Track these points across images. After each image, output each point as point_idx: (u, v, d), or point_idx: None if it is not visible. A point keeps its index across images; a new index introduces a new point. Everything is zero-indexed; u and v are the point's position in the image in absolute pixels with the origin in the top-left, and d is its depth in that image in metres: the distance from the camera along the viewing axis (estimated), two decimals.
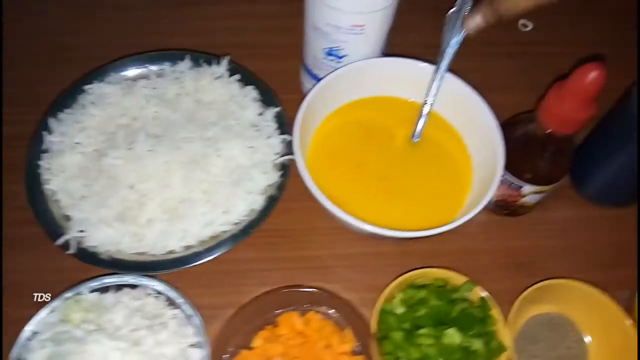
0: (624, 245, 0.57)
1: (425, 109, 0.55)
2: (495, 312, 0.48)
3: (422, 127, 0.55)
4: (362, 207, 0.52)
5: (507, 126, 0.52)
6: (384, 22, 0.53)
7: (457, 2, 0.52)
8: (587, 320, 0.51)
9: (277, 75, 0.63)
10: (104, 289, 0.47)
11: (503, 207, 0.56)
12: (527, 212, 0.57)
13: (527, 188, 0.51)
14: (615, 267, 0.55)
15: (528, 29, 0.73)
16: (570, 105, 0.44)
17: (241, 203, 0.48)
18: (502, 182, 0.52)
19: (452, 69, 0.56)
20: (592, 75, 0.41)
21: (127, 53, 0.59)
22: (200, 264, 0.47)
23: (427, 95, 0.55)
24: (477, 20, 0.49)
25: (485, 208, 0.57)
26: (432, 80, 0.54)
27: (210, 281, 0.52)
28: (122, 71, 0.56)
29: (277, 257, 0.54)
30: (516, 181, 0.51)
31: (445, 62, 0.53)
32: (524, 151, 0.50)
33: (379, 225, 0.48)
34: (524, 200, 0.53)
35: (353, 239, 0.55)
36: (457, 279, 0.49)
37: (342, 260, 0.55)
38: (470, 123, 0.55)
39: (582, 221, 0.58)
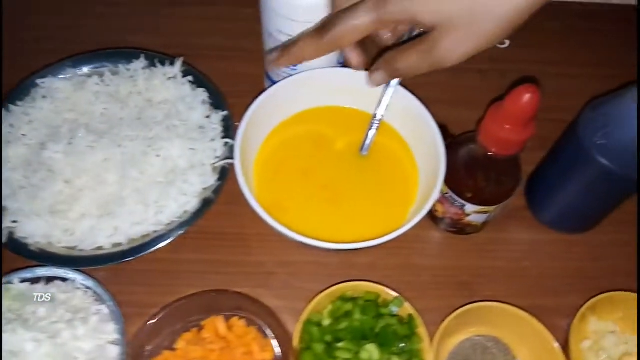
0: (572, 272, 0.55)
1: (375, 124, 0.54)
2: (422, 330, 0.47)
3: (371, 141, 0.55)
4: (304, 216, 0.52)
5: (454, 144, 0.51)
6: None
7: None
8: (521, 345, 0.50)
9: (245, 79, 0.64)
10: (35, 280, 0.48)
11: (451, 225, 0.55)
12: (476, 231, 0.56)
13: (470, 207, 0.50)
14: (559, 295, 0.54)
15: (505, 45, 0.72)
16: (508, 127, 0.43)
17: (173, 204, 0.48)
18: (447, 199, 0.52)
19: (419, 82, 0.56)
20: (526, 97, 0.41)
21: (100, 48, 0.60)
22: (126, 261, 0.48)
23: (377, 108, 0.54)
24: (378, 75, 0.46)
25: (439, 226, 0.56)
26: (383, 95, 0.54)
27: (147, 280, 0.52)
28: (78, 67, 0.57)
29: (217, 260, 0.54)
30: (458, 200, 0.50)
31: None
32: (466, 170, 0.49)
33: (321, 235, 0.48)
34: (469, 219, 0.53)
35: (295, 247, 0.54)
36: (388, 294, 0.49)
37: (283, 268, 0.55)
38: (419, 137, 0.55)
39: (534, 245, 0.57)
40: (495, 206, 0.50)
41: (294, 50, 0.45)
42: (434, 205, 0.54)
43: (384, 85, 0.53)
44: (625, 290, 0.50)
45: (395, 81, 0.52)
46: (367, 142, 0.55)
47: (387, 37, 0.42)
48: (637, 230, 0.56)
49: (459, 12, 0.37)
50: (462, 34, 0.38)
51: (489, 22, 0.37)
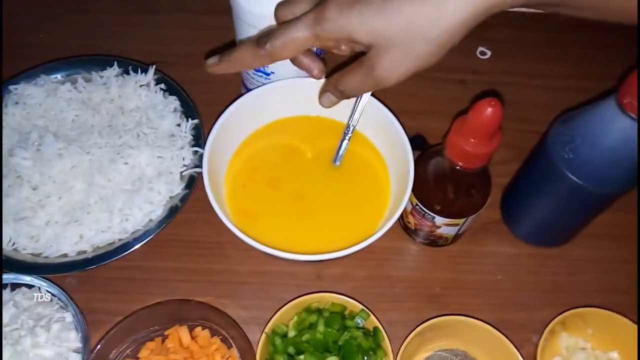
0: (546, 286, 0.55)
1: (347, 135, 0.54)
2: (386, 344, 0.46)
3: (343, 152, 0.54)
4: (275, 226, 0.52)
5: (424, 157, 0.51)
6: None
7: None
8: (489, 359, 0.49)
9: (219, 87, 0.64)
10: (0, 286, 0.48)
11: (424, 237, 0.55)
12: (448, 243, 0.55)
13: (439, 219, 0.50)
14: (532, 309, 0.53)
15: (486, 56, 0.71)
16: (472, 141, 0.43)
17: (138, 212, 0.48)
18: (417, 212, 0.51)
19: (397, 91, 0.55)
20: (488, 111, 0.40)
21: (73, 55, 0.60)
22: (91, 269, 0.48)
23: (349, 119, 0.54)
24: (326, 96, 0.46)
25: (413, 238, 0.56)
26: (355, 105, 0.53)
27: (114, 287, 0.52)
28: (52, 73, 0.57)
29: (188, 268, 0.54)
30: (428, 212, 0.50)
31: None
32: (435, 183, 0.49)
33: (291, 245, 0.48)
34: (440, 231, 0.52)
35: (265, 256, 0.54)
36: (354, 306, 0.48)
37: (253, 277, 0.54)
38: (390, 148, 0.54)
39: (508, 258, 0.56)
40: (465, 219, 0.50)
41: (233, 57, 0.45)
42: (407, 217, 0.54)
43: (355, 97, 0.53)
44: (598, 307, 0.49)
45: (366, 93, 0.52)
46: (340, 152, 0.54)
47: (342, 49, 0.42)
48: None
49: (394, 33, 0.37)
50: (398, 54, 0.38)
51: (424, 44, 0.37)
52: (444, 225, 0.51)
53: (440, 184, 0.49)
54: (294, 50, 0.42)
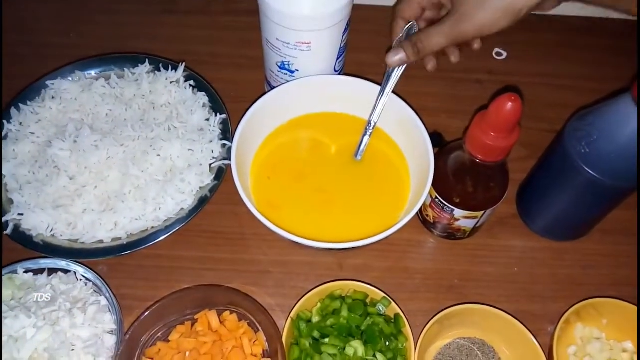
0: (561, 279, 0.56)
1: (369, 130, 0.56)
2: (407, 330, 0.48)
3: (365, 147, 0.56)
4: (298, 217, 0.54)
5: (444, 151, 0.52)
6: (331, 40, 0.54)
7: (404, 30, 0.54)
8: (505, 347, 0.51)
9: (245, 85, 0.66)
10: (39, 270, 0.50)
11: (442, 230, 0.57)
12: (467, 236, 0.57)
13: (458, 212, 0.52)
14: (547, 301, 0.55)
15: (502, 57, 0.73)
16: (492, 135, 0.44)
17: (171, 201, 0.50)
18: (436, 205, 0.53)
19: (416, 90, 0.57)
20: (508, 105, 0.42)
21: (103, 53, 0.63)
22: (125, 255, 0.50)
23: (371, 115, 0.56)
24: (399, 55, 0.51)
25: (432, 231, 0.58)
26: (376, 102, 0.55)
27: (145, 274, 0.54)
28: (86, 70, 0.59)
29: (214, 257, 0.56)
30: (447, 205, 0.52)
31: (389, 85, 0.54)
32: (455, 176, 0.51)
33: (314, 236, 0.50)
34: (458, 224, 0.54)
35: (289, 246, 0.56)
36: (376, 294, 0.50)
37: (278, 267, 0.56)
38: (410, 143, 0.56)
39: (524, 252, 0.58)
40: (483, 211, 0.52)
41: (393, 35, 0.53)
42: (427, 211, 0.56)
43: (379, 93, 0.55)
44: (611, 298, 0.51)
45: (389, 89, 0.54)
46: (362, 147, 0.56)
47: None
48: (638, 238, 0.57)
49: None
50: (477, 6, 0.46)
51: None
52: (462, 218, 0.53)
53: (460, 178, 0.51)
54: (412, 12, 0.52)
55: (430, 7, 0.53)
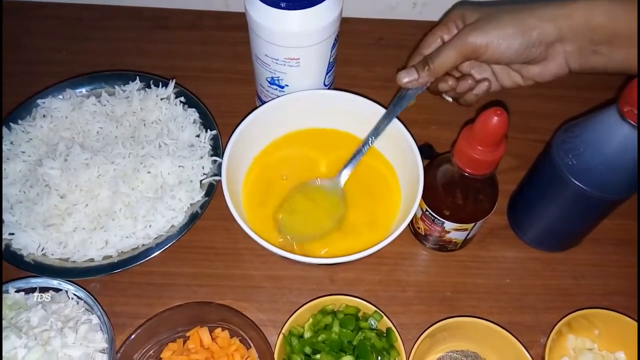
0: (552, 290, 0.56)
1: (359, 155, 0.55)
2: (399, 344, 0.48)
3: (350, 172, 0.56)
4: (290, 232, 0.54)
5: (433, 165, 0.53)
6: (320, 56, 0.55)
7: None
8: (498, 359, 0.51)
9: (236, 100, 0.67)
10: (30, 290, 0.50)
11: (434, 242, 0.57)
12: (457, 248, 0.57)
13: (448, 225, 0.52)
14: (539, 312, 0.55)
15: None
16: (480, 149, 0.45)
17: (161, 219, 0.51)
18: (427, 217, 0.53)
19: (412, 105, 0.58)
20: (494, 120, 0.42)
21: (94, 71, 0.64)
22: (116, 273, 0.50)
23: (368, 137, 0.55)
24: (411, 75, 0.51)
25: (424, 244, 0.58)
26: (379, 125, 0.55)
27: (137, 292, 0.54)
28: (77, 88, 0.60)
29: (206, 273, 0.56)
30: (437, 217, 0.52)
31: (396, 111, 0.54)
32: (444, 189, 0.51)
33: (306, 251, 0.50)
34: (449, 236, 0.54)
35: (283, 261, 0.57)
36: (367, 308, 0.50)
37: (269, 282, 0.56)
38: (400, 157, 0.56)
39: (516, 262, 0.58)
40: (473, 223, 0.52)
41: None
42: (418, 223, 0.56)
43: (382, 116, 0.55)
44: (603, 309, 0.51)
45: (394, 113, 0.54)
46: (347, 170, 0.56)
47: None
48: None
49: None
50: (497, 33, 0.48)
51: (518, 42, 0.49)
52: (453, 230, 0.53)
53: (449, 190, 0.51)
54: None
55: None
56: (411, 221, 0.56)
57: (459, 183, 0.50)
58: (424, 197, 0.51)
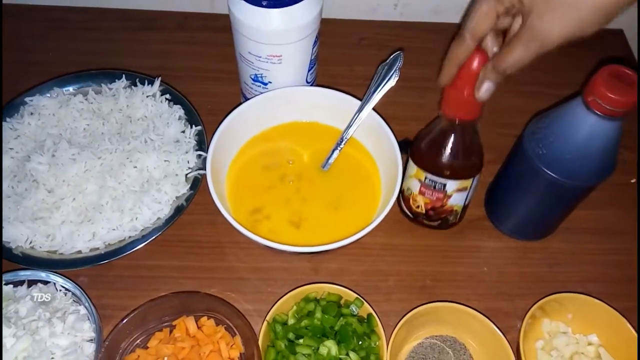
0: (528, 277, 0.58)
1: (340, 146, 0.58)
2: (379, 329, 0.50)
3: (333, 160, 0.58)
4: (274, 223, 0.56)
5: (423, 132, 0.54)
6: (301, 53, 0.57)
7: (390, 57, 0.56)
8: (475, 343, 0.52)
9: (222, 98, 0.68)
10: (19, 282, 0.51)
11: (434, 217, 0.58)
12: (458, 220, 0.59)
13: (450, 185, 0.53)
14: (515, 298, 0.57)
15: None
16: (466, 91, 0.46)
17: (147, 211, 0.52)
18: (428, 186, 0.54)
19: (385, 100, 0.59)
20: (477, 60, 0.44)
21: (81, 69, 0.65)
22: (104, 264, 0.51)
23: (344, 132, 0.58)
24: (485, 86, 0.46)
25: (423, 222, 0.59)
26: (351, 121, 0.57)
27: (124, 284, 0.55)
28: (65, 86, 0.61)
29: (192, 266, 0.57)
30: (439, 180, 0.53)
31: (369, 105, 0.57)
32: (439, 149, 0.52)
33: (290, 242, 0.51)
34: (450, 202, 0.55)
35: (268, 253, 0.58)
36: (349, 295, 0.52)
37: (255, 273, 0.57)
38: (380, 149, 0.58)
39: (493, 252, 0.60)
40: (472, 179, 0.53)
41: (450, 59, 0.46)
42: (416, 201, 0.57)
43: (357, 110, 0.57)
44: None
45: (368, 108, 0.56)
46: (330, 160, 0.58)
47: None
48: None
49: None
50: (558, 14, 0.40)
51: (590, 12, 0.39)
52: (454, 193, 0.54)
53: (443, 149, 0.51)
54: (487, 22, 0.44)
55: (503, 13, 0.44)
56: (407, 205, 0.58)
57: (451, 138, 0.50)
58: (421, 165, 0.53)
